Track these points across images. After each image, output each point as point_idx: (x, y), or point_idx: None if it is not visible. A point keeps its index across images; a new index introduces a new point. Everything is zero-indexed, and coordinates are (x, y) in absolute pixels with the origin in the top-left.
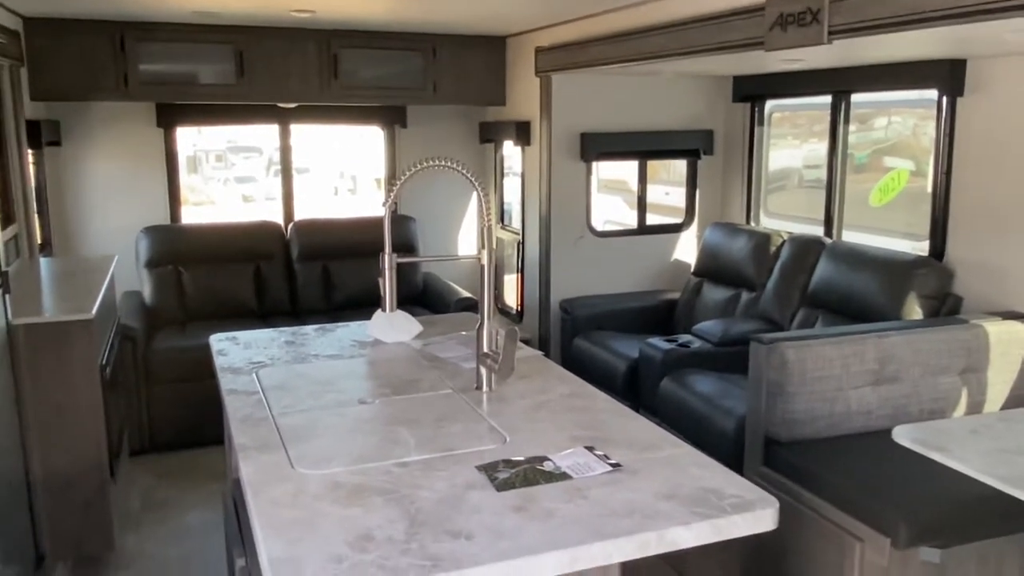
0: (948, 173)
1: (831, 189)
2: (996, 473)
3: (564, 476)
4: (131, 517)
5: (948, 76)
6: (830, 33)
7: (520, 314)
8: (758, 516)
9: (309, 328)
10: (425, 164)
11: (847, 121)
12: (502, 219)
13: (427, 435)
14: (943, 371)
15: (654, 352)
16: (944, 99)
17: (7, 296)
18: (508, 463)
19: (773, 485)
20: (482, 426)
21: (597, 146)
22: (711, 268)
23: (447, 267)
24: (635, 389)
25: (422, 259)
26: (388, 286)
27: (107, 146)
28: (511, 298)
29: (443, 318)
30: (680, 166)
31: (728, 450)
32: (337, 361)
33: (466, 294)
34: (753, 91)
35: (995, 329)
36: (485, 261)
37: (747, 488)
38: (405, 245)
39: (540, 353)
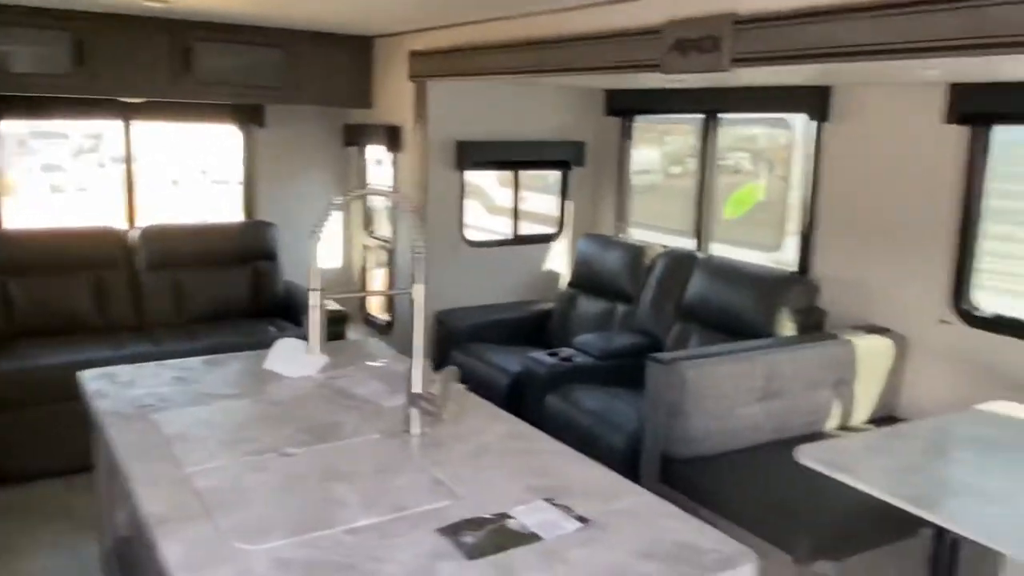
0: (814, 193)
1: (701, 205)
2: (900, 493)
3: (535, 537)
4: None
5: (816, 102)
6: (733, 61)
7: (390, 325)
8: (740, 573)
9: (195, 361)
10: (364, 191)
11: (715, 140)
12: (368, 226)
13: (369, 492)
14: (819, 385)
15: (538, 367)
16: (812, 123)
17: None
18: (471, 524)
19: (672, 503)
20: (426, 477)
21: (473, 155)
22: (585, 280)
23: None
24: (518, 404)
25: (347, 295)
26: (315, 326)
27: None
28: (378, 309)
29: (341, 345)
30: (539, 172)
31: (618, 466)
32: (240, 402)
33: (335, 307)
34: (625, 106)
35: (862, 343)
36: (417, 296)
37: (722, 541)
38: (265, 253)
39: (463, 386)
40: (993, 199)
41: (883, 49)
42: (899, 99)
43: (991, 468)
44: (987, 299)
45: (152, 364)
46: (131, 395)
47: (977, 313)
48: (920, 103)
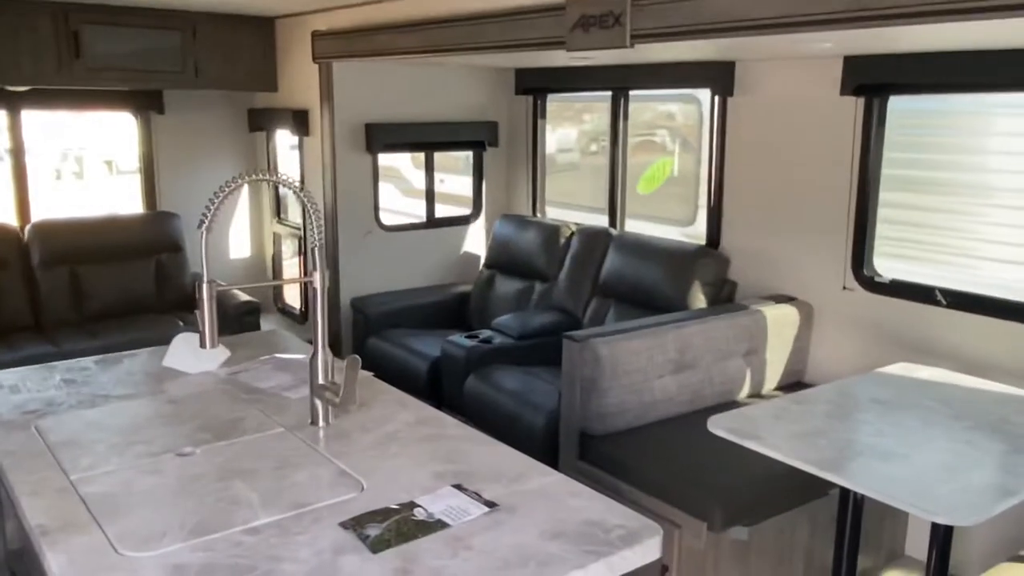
0: (721, 168)
1: (614, 182)
2: (806, 457)
3: (441, 525)
4: None
5: (720, 77)
6: (633, 37)
7: (304, 314)
8: (647, 547)
9: (88, 361)
10: (247, 179)
11: (626, 117)
12: (278, 213)
13: (270, 488)
14: (731, 355)
15: (457, 350)
16: (716, 98)
17: None
18: (375, 515)
19: (591, 479)
20: (330, 470)
21: (383, 137)
22: (502, 260)
23: (219, 265)
24: (438, 389)
25: (247, 286)
26: (208, 318)
27: None
28: (292, 297)
29: (247, 338)
30: (455, 153)
31: (539, 446)
32: (134, 402)
33: (246, 297)
34: (535, 84)
35: (771, 313)
36: (318, 284)
37: (629, 516)
38: (171, 245)
39: (370, 374)
40: (891, 168)
41: (776, 23)
42: (799, 73)
43: (891, 428)
44: (886, 265)
45: (40, 367)
46: (15, 400)
47: (877, 279)
48: (819, 76)
